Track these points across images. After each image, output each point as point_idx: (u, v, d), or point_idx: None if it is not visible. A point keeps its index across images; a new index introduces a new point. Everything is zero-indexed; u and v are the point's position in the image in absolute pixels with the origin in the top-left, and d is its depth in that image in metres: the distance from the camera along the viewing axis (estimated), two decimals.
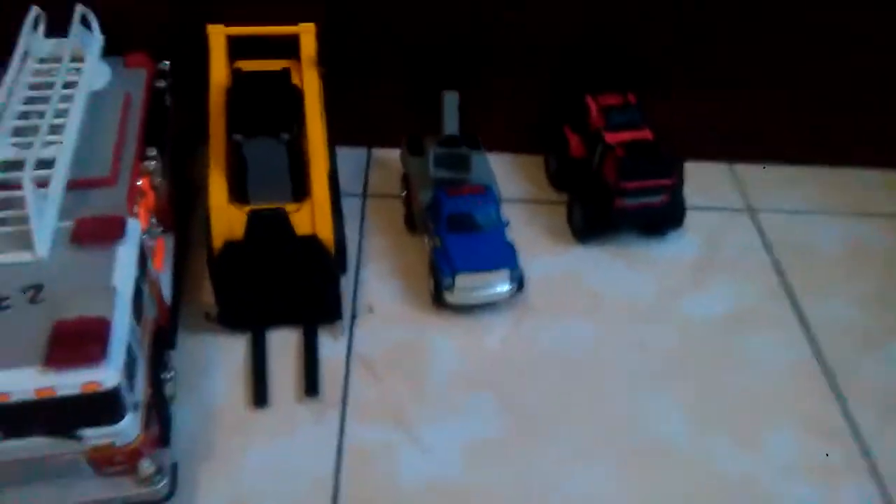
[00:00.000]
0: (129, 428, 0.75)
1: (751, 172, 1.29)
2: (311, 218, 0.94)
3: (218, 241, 0.92)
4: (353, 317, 1.03)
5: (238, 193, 0.95)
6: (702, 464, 0.90)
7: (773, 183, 1.27)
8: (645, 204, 1.09)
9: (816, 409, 0.96)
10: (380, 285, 1.07)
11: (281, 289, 0.96)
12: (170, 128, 1.07)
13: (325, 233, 0.94)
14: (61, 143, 0.85)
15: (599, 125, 1.11)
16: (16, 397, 0.69)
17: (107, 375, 0.71)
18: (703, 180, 1.23)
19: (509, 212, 1.08)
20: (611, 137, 1.09)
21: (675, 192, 1.10)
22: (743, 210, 1.23)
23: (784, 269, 1.14)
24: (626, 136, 1.09)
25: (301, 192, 0.97)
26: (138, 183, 0.92)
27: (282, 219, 0.92)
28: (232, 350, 0.98)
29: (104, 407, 0.72)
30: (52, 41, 0.98)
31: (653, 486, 0.88)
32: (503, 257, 1.01)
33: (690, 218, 1.15)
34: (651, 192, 1.08)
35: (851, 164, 1.29)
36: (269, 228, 0.92)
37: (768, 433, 0.93)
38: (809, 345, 1.04)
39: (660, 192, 1.08)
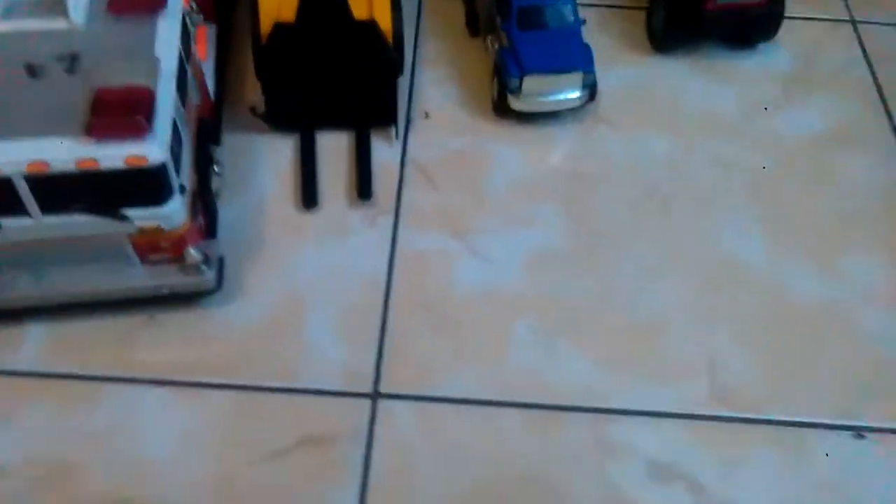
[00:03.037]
0: (175, 211, 0.71)
1: None
2: (368, 4, 0.85)
3: (266, 23, 0.84)
4: (408, 122, 0.96)
5: None
6: (779, 286, 0.84)
7: None
8: (740, 4, 0.96)
9: None
10: (437, 90, 0.99)
11: (334, 79, 0.88)
12: None
13: (385, 21, 0.85)
14: None
15: None
16: (55, 167, 0.64)
17: (152, 150, 0.66)
18: None
19: (585, 17, 0.96)
20: None
21: None
22: (845, 21, 1.10)
23: (884, 86, 1.02)
24: None
25: None
26: None
27: (338, 0, 0.83)
28: (280, 150, 0.92)
29: (150, 184, 0.68)
30: None
31: (726, 308, 0.83)
32: (578, 58, 0.91)
33: (785, 28, 1.02)
34: None
35: None
36: (323, 9, 0.83)
37: (852, 259, 0.87)
38: None
39: None
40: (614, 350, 0.79)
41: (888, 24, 1.10)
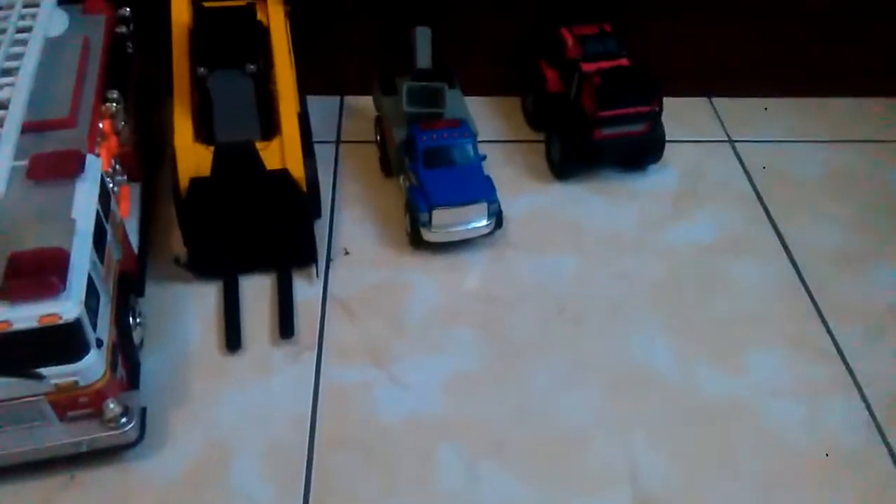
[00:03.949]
0: (92, 365, 0.72)
1: (729, 105, 1.27)
2: (280, 154, 0.91)
3: (184, 179, 0.89)
4: (329, 260, 1.00)
5: (204, 132, 0.92)
6: (688, 388, 0.88)
7: (751, 115, 1.25)
8: (625, 133, 1.06)
9: (800, 331, 0.95)
10: (356, 229, 1.04)
11: (252, 226, 0.92)
12: (132, 73, 1.04)
13: (296, 168, 0.91)
14: (14, 84, 0.82)
15: (576, 55, 1.08)
16: None
17: (66, 307, 0.68)
18: (682, 114, 1.21)
19: (486, 153, 1.05)
20: (588, 67, 1.06)
21: (655, 120, 1.08)
22: (723, 141, 1.21)
23: (765, 195, 1.12)
24: (604, 64, 1.06)
25: (270, 129, 0.94)
26: (99, 124, 0.89)
27: (250, 152, 0.89)
28: (204, 297, 0.95)
29: (65, 341, 0.69)
30: None
31: (640, 413, 0.86)
32: (480, 190, 0.98)
33: (670, 151, 1.13)
34: (631, 120, 1.05)
35: (827, 94, 1.29)
36: (236, 162, 0.89)
37: (753, 356, 0.92)
38: (791, 267, 1.02)
39: (639, 120, 1.06)
40: (536, 465, 0.81)
41: (761, 141, 1.21)
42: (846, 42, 1.23)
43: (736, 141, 1.21)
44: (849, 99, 1.29)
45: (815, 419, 0.86)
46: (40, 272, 0.68)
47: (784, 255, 1.04)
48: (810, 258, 1.03)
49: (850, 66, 1.26)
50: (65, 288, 0.68)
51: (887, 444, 0.85)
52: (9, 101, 0.80)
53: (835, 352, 0.93)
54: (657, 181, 1.13)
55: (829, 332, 0.95)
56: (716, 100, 1.28)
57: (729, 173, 1.16)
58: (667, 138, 1.11)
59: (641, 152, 1.11)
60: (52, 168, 0.78)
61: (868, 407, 0.88)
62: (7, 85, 0.82)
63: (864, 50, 1.24)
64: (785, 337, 0.94)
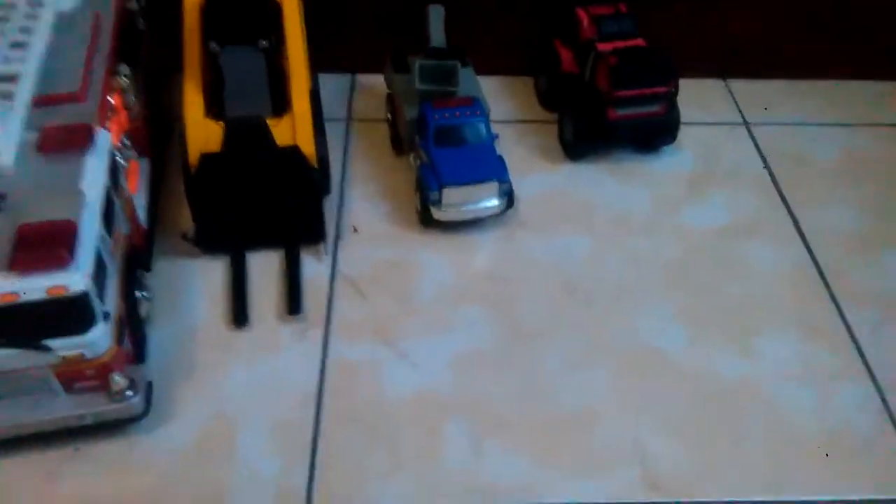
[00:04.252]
0: (99, 338, 0.72)
1: (745, 87, 1.25)
2: (291, 130, 0.91)
3: (194, 155, 0.89)
4: (337, 238, 1.00)
5: (215, 108, 0.92)
6: (699, 370, 0.87)
7: (767, 97, 1.23)
8: (639, 114, 1.05)
9: (812, 315, 0.94)
10: (365, 206, 1.04)
11: (261, 203, 0.92)
12: (143, 50, 1.04)
13: (307, 145, 0.91)
14: (24, 58, 0.82)
15: (591, 35, 1.07)
16: None
17: (74, 279, 0.68)
18: (696, 95, 1.19)
19: (499, 132, 1.04)
20: (603, 47, 1.04)
21: (671, 101, 1.06)
22: (738, 124, 1.19)
23: (780, 179, 1.11)
24: (620, 44, 1.05)
25: (281, 106, 0.93)
26: (109, 99, 0.88)
27: (261, 127, 0.89)
28: (211, 272, 0.95)
29: (72, 314, 0.69)
30: None
31: (651, 395, 0.85)
32: (492, 169, 0.97)
33: (685, 133, 1.11)
34: (646, 100, 1.04)
35: (845, 76, 1.26)
36: (247, 137, 0.89)
37: (765, 339, 0.91)
38: (806, 252, 1.01)
39: (655, 101, 1.04)
40: (545, 445, 0.81)
41: (777, 124, 1.19)
42: (866, 24, 1.21)
43: (751, 123, 1.19)
44: (869, 82, 1.26)
45: (826, 404, 0.85)
46: (49, 244, 0.68)
47: (798, 239, 1.03)
48: (825, 243, 1.02)
49: (871, 49, 1.23)
50: (73, 260, 0.68)
51: None
52: (19, 75, 0.80)
53: (848, 337, 0.92)
54: (671, 163, 1.11)
55: (842, 317, 0.94)
56: (731, 81, 1.26)
57: (744, 156, 1.14)
58: (682, 120, 1.09)
59: (656, 134, 1.10)
60: (61, 141, 0.78)
61: (880, 392, 0.87)
62: (17, 59, 0.82)
63: (885, 32, 1.22)
64: (798, 321, 0.93)
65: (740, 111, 1.22)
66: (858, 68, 1.26)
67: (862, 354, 0.90)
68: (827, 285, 0.97)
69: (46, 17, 0.87)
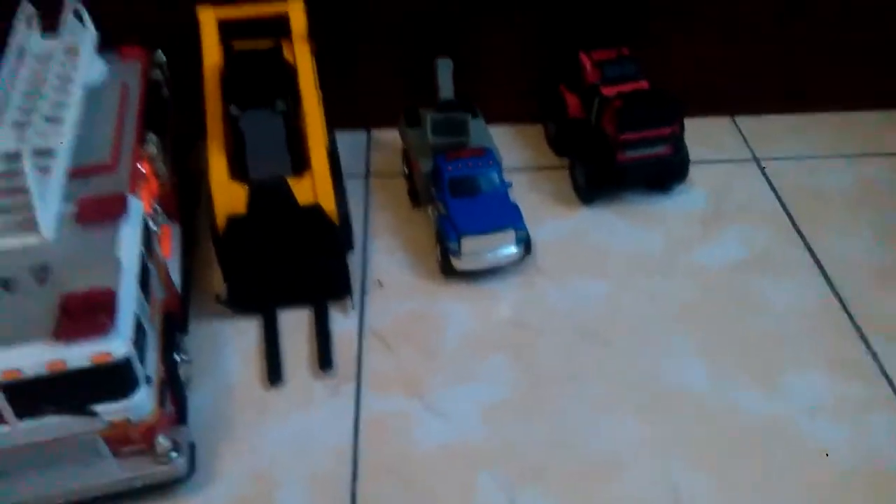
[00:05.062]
0: (142, 401, 0.74)
1: (753, 124, 1.28)
2: (312, 188, 0.94)
3: (221, 217, 0.92)
4: (363, 293, 1.02)
5: (238, 169, 0.95)
6: (726, 410, 0.88)
7: (776, 132, 1.26)
8: (647, 156, 1.07)
9: (838, 348, 0.95)
10: (388, 259, 1.06)
11: (288, 261, 0.95)
12: (169, 117, 1.08)
13: (328, 202, 0.94)
14: (60, 132, 0.86)
15: (595, 80, 1.10)
16: (27, 372, 0.68)
17: (116, 345, 0.70)
18: (705, 134, 1.22)
19: (512, 180, 1.06)
20: (608, 91, 1.08)
21: (678, 141, 1.09)
22: (748, 160, 1.22)
23: (794, 213, 1.12)
24: (624, 88, 1.08)
25: (300, 165, 0.96)
26: (139, 167, 0.92)
27: (283, 188, 0.92)
28: (245, 332, 0.97)
29: (116, 378, 0.72)
30: (46, 39, 0.99)
31: (678, 436, 0.86)
32: (508, 217, 1.00)
33: (695, 172, 1.14)
34: (653, 142, 1.06)
35: (852, 108, 1.29)
36: (271, 198, 0.92)
37: (791, 375, 0.92)
38: (826, 285, 1.02)
39: (662, 142, 1.07)
40: (576, 491, 0.81)
41: (787, 158, 1.22)
42: (870, 53, 1.24)
43: (762, 159, 1.22)
44: (876, 112, 1.29)
45: (858, 439, 0.85)
46: (91, 312, 0.70)
47: (818, 272, 1.04)
48: (845, 274, 1.03)
49: (878, 78, 1.26)
50: (114, 327, 0.71)
51: None
52: (55, 149, 0.84)
53: (876, 369, 0.92)
54: (684, 202, 1.14)
55: (868, 348, 0.95)
56: (739, 118, 1.29)
57: (756, 192, 1.16)
58: (691, 159, 1.12)
59: (666, 174, 1.12)
60: (97, 211, 0.81)
61: None
62: (53, 133, 0.86)
63: (889, 59, 1.24)
64: (823, 355, 0.94)
65: (749, 147, 1.24)
66: (866, 98, 1.28)
67: (892, 385, 0.91)
68: (850, 316, 0.98)
69: (77, 90, 0.91)
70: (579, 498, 0.81)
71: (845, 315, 0.99)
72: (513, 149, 1.22)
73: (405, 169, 1.16)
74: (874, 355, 0.94)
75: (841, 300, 1.00)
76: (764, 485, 0.82)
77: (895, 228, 1.10)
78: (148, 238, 0.86)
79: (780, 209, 1.13)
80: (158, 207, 0.96)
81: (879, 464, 0.83)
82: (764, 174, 1.19)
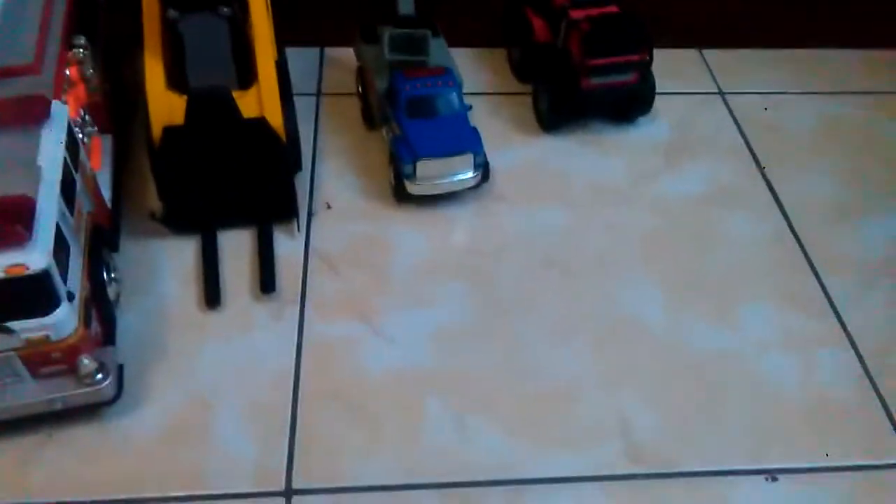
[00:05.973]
0: (64, 319, 0.69)
1: (720, 57, 1.24)
2: (258, 102, 0.88)
3: (157, 128, 0.85)
4: (310, 214, 0.97)
5: (177, 78, 0.88)
6: (679, 341, 0.87)
7: (743, 67, 1.23)
8: (614, 83, 1.04)
9: (792, 283, 0.94)
10: (338, 182, 1.01)
11: (230, 178, 0.89)
12: (101, 21, 1.00)
13: (275, 117, 0.88)
14: None
15: (564, 2, 1.05)
16: None
17: (34, 257, 0.65)
18: (671, 65, 1.18)
19: (472, 104, 1.02)
20: (576, 13, 1.03)
21: (645, 70, 1.05)
22: (714, 93, 1.19)
23: (756, 148, 1.10)
24: (593, 11, 1.03)
25: (246, 77, 0.90)
26: (66, 71, 0.85)
27: (226, 99, 0.85)
28: (181, 252, 0.92)
29: (34, 293, 0.66)
30: None
31: (631, 365, 0.84)
32: (466, 141, 0.95)
33: (660, 103, 1.10)
34: (620, 69, 1.02)
35: (819, 45, 1.26)
36: (211, 109, 0.85)
37: (745, 308, 0.91)
38: (784, 221, 1.01)
39: (629, 69, 1.03)
40: (526, 419, 0.79)
41: (752, 93, 1.19)
42: None
43: (727, 93, 1.19)
44: (844, 50, 1.26)
45: (807, 372, 0.85)
46: (5, 220, 0.64)
47: (776, 207, 1.03)
48: (802, 211, 1.02)
49: (846, 18, 1.24)
50: (31, 237, 0.65)
51: (880, 397, 0.84)
52: None
53: (827, 305, 0.92)
54: (647, 133, 1.10)
55: (821, 285, 0.94)
56: (706, 51, 1.25)
57: (720, 125, 1.13)
58: (657, 90, 1.08)
59: (631, 103, 1.09)
60: (15, 114, 0.74)
61: (860, 360, 0.87)
62: None
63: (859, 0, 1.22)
64: (776, 290, 0.93)
65: (715, 80, 1.21)
66: (833, 37, 1.25)
67: (841, 321, 0.90)
68: (805, 253, 0.97)
69: None
70: (528, 424, 0.79)
71: (800, 251, 0.98)
72: (474, 73, 1.16)
73: (359, 88, 1.10)
74: (825, 292, 0.93)
75: (797, 236, 0.99)
76: (712, 415, 0.81)
77: (855, 167, 1.09)
78: (74, 146, 0.79)
79: (743, 144, 1.11)
80: (87, 116, 0.89)
81: (826, 397, 0.83)
82: (728, 108, 1.17)
